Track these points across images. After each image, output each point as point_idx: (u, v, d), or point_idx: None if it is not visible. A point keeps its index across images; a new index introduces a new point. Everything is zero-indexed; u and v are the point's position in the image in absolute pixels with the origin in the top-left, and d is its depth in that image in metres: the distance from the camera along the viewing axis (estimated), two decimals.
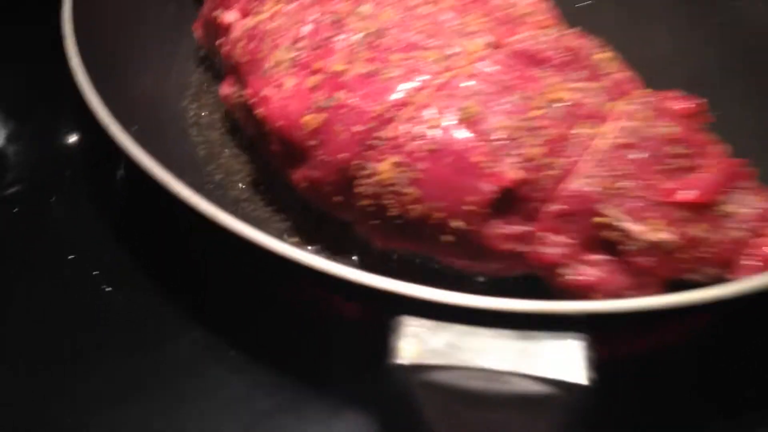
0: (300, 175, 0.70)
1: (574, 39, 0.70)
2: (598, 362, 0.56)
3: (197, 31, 0.88)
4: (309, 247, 0.75)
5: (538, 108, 0.64)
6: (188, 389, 0.68)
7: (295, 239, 0.75)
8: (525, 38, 0.69)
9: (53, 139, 0.89)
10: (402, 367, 0.56)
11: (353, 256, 0.74)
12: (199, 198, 0.64)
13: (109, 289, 0.75)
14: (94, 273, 0.76)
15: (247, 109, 0.73)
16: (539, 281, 0.68)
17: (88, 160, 0.86)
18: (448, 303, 0.57)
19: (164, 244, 0.78)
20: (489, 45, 0.68)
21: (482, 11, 0.71)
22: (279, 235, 0.74)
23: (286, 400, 0.67)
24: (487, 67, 0.66)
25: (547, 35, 0.69)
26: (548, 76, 0.67)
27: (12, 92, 0.94)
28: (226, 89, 0.79)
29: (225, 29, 0.79)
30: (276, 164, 0.74)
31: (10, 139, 0.88)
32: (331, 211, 0.72)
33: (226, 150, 0.84)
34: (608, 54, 0.71)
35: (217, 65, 0.89)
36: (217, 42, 0.81)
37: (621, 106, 0.66)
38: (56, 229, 0.80)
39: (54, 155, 0.88)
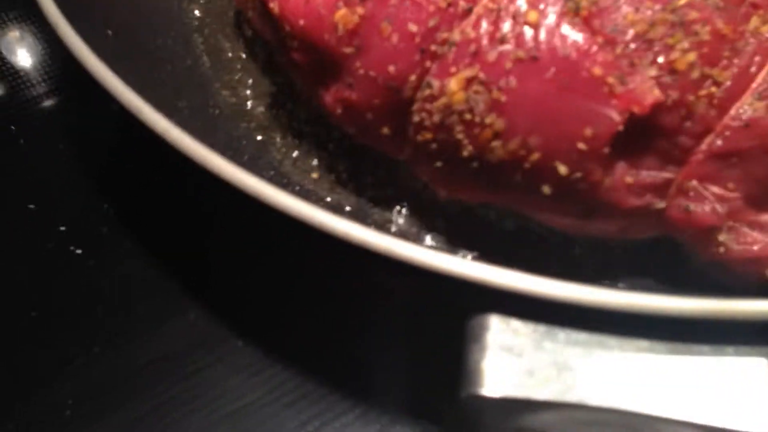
0: (333, 96, 0.51)
1: None
2: None
3: None
4: (342, 196, 0.57)
5: None
6: (179, 393, 0.51)
7: (326, 182, 0.58)
8: None
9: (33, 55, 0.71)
10: (485, 400, 0.37)
11: (400, 206, 0.56)
12: (190, 139, 0.47)
13: (79, 251, 0.58)
14: (60, 228, 0.59)
15: (261, 4, 0.53)
16: (667, 248, 0.50)
17: (66, 85, 0.68)
18: (562, 298, 0.39)
19: (155, 195, 0.60)
20: None
21: None
22: (302, 178, 0.57)
23: (312, 417, 0.50)
24: None
25: None
26: None
27: None
28: None
29: None
30: (301, 81, 0.56)
31: None
32: (376, 146, 0.54)
33: (239, 62, 0.65)
34: None
35: None
36: None
37: None
38: (19, 170, 0.63)
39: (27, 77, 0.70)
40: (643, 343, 0.38)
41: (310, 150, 0.59)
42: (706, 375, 0.37)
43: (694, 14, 0.43)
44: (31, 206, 0.60)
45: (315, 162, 0.58)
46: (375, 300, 0.53)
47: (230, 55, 0.65)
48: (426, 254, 0.41)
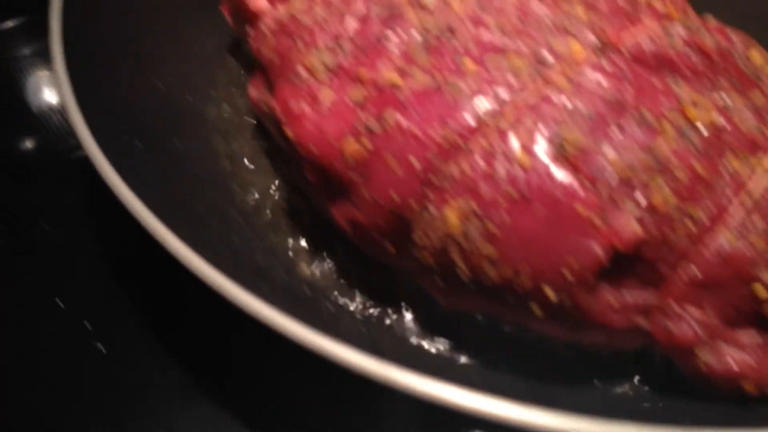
0: (341, 214, 0.55)
1: (713, 35, 0.51)
2: None
3: (225, 12, 0.71)
4: (348, 297, 0.60)
5: (669, 135, 0.47)
6: None
7: (333, 282, 0.61)
8: (644, 36, 0.51)
9: None
10: None
11: (407, 310, 0.59)
12: (194, 255, 0.49)
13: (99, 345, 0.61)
14: (84, 322, 0.62)
15: (276, 125, 0.57)
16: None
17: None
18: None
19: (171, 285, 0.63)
20: (596, 47, 0.50)
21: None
22: (312, 279, 0.61)
23: None
24: (594, 79, 0.49)
25: (674, 31, 0.51)
26: (681, 87, 0.49)
27: None
28: (254, 92, 0.64)
29: (254, 16, 0.62)
30: (313, 196, 0.59)
31: None
32: (381, 258, 0.57)
33: (258, 165, 0.68)
34: (761, 54, 0.52)
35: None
36: (246, 31, 0.64)
37: None
38: (45, 258, 0.65)
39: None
40: None
41: (319, 252, 0.62)
42: None
43: (671, 157, 0.46)
44: (58, 300, 0.62)
45: (324, 262, 0.61)
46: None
47: (248, 155, 0.68)
48: (415, 381, 0.44)
